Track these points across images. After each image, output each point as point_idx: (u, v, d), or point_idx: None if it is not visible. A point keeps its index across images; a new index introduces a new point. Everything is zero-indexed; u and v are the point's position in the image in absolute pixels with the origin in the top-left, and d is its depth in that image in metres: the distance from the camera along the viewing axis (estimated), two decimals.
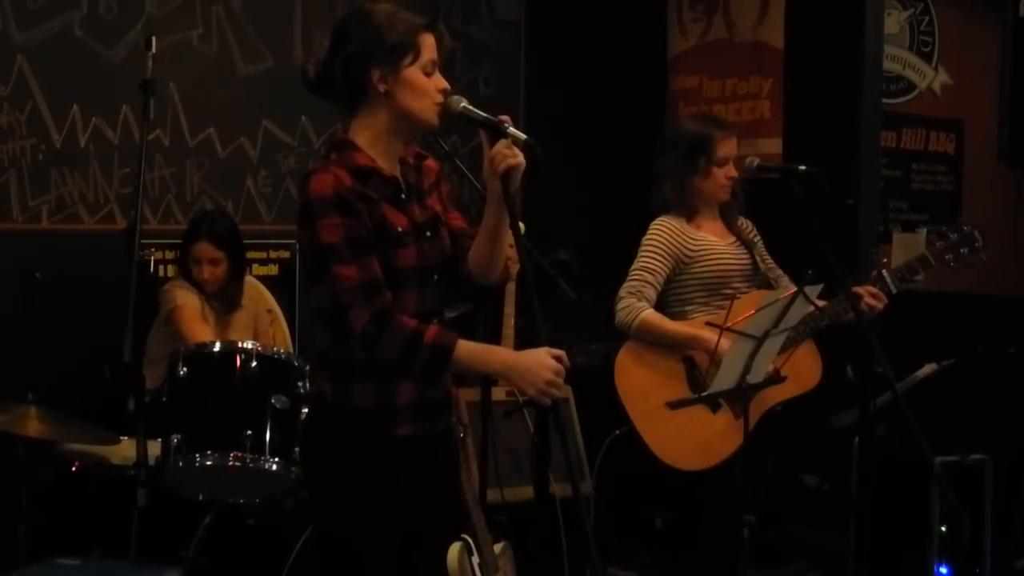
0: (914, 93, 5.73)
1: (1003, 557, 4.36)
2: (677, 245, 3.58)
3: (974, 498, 4.22)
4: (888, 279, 3.56)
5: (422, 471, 2.62)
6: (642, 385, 3.52)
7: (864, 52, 4.86)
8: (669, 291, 3.60)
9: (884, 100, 5.22)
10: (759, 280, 3.68)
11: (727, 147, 3.61)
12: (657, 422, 3.45)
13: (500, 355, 2.51)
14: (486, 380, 3.88)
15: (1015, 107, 4.46)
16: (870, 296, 3.53)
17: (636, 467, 3.65)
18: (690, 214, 3.63)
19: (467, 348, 2.47)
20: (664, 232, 3.59)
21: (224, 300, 4.25)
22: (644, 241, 3.61)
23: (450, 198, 2.75)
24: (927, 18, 5.77)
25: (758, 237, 3.79)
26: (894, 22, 5.58)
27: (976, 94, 5.76)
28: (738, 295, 3.56)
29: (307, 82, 2.59)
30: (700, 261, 3.59)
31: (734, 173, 3.62)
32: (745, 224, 3.76)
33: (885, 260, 3.69)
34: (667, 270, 3.57)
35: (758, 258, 3.71)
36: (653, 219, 3.66)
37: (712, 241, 3.63)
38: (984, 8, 5.73)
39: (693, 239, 3.60)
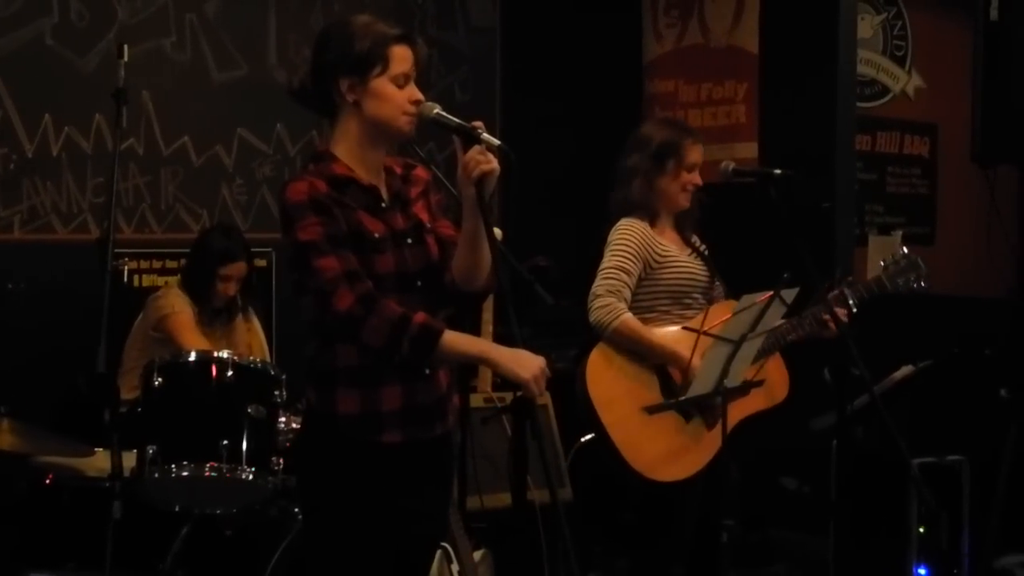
0: (888, 97, 5.76)
1: (981, 558, 4.38)
2: (647, 248, 3.52)
3: (952, 499, 4.24)
4: (850, 297, 3.53)
5: (415, 480, 2.60)
6: (614, 390, 3.44)
7: (838, 56, 4.88)
8: (633, 296, 3.51)
9: (858, 104, 5.25)
10: (713, 295, 3.63)
11: (696, 153, 3.58)
12: (630, 430, 3.38)
13: (490, 344, 2.55)
14: (464, 386, 3.86)
15: (988, 110, 4.48)
16: (840, 316, 3.51)
17: (603, 472, 3.59)
18: (652, 218, 3.58)
19: (456, 334, 2.49)
20: (635, 233, 3.52)
21: (228, 311, 4.25)
22: (614, 240, 3.53)
23: (440, 207, 2.74)
24: (900, 22, 5.80)
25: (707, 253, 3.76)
26: (867, 26, 5.61)
27: (949, 97, 5.79)
28: (695, 306, 3.55)
29: (291, 94, 2.64)
30: (667, 268, 3.54)
31: (699, 181, 3.58)
32: (696, 240, 3.72)
33: (849, 278, 3.68)
34: (637, 272, 3.50)
35: (714, 273, 3.67)
36: (611, 220, 3.59)
37: (675, 250, 3.60)
38: (956, 12, 5.76)
39: (661, 244, 3.56)
